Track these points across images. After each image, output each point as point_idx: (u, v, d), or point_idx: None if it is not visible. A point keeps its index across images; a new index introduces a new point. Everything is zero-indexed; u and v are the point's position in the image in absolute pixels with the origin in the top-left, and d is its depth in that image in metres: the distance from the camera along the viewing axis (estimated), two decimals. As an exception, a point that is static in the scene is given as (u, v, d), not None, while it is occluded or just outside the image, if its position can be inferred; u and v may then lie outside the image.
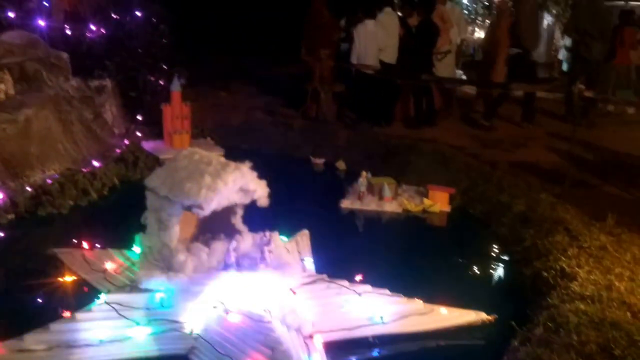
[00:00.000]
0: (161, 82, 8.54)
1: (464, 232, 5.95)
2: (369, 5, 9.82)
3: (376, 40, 9.59)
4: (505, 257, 5.33)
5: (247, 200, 4.29)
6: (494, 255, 5.40)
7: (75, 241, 4.90)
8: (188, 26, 10.40)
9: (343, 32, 10.81)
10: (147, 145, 7.64)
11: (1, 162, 5.88)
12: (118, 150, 7.20)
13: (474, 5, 15.97)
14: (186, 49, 9.42)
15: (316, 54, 9.84)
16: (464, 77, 12.14)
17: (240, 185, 4.16)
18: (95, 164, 6.66)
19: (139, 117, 8.35)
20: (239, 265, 4.20)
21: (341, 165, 7.77)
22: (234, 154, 6.90)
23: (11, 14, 7.53)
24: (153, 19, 8.70)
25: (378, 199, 6.48)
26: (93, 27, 8.14)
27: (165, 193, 4.06)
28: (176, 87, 7.74)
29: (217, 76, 11.96)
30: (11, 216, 5.56)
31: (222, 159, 4.31)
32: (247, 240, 4.33)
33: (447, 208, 6.41)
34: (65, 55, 7.39)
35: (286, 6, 13.48)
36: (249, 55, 14.02)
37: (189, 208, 4.02)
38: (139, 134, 7.93)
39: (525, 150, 8.59)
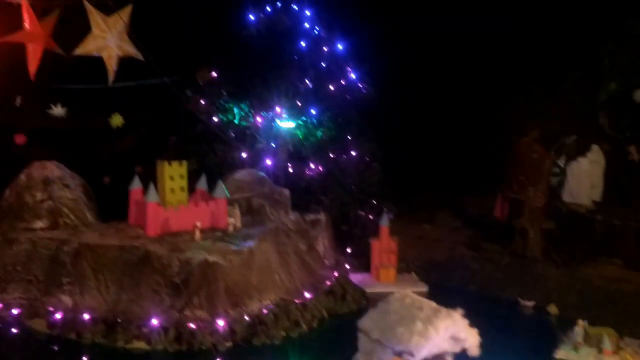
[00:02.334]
0: (370, 217, 8.89)
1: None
2: (584, 141, 9.56)
3: (590, 178, 9.26)
4: None
5: (457, 349, 4.24)
6: None
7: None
8: (397, 161, 10.79)
9: (554, 168, 10.52)
10: (355, 277, 7.90)
11: (225, 291, 6.34)
12: (328, 282, 7.48)
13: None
14: (395, 182, 9.74)
15: (526, 190, 9.64)
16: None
17: (452, 333, 4.13)
18: (307, 295, 6.95)
19: (348, 250, 8.71)
20: (446, 418, 4.09)
21: (553, 309, 7.36)
22: (438, 292, 6.89)
23: (244, 154, 8.51)
24: (366, 157, 9.21)
25: (597, 351, 5.99)
26: (312, 165, 8.85)
27: (377, 336, 4.15)
28: (385, 222, 8.07)
29: (421, 208, 12.12)
30: (229, 344, 5.92)
31: (433, 304, 4.33)
32: (455, 391, 4.21)
33: (679, 369, 5.73)
34: (286, 191, 8.08)
35: (493, 139, 13.52)
36: (454, 187, 14.08)
37: (399, 354, 4.04)
38: (347, 266, 8.23)
39: None
